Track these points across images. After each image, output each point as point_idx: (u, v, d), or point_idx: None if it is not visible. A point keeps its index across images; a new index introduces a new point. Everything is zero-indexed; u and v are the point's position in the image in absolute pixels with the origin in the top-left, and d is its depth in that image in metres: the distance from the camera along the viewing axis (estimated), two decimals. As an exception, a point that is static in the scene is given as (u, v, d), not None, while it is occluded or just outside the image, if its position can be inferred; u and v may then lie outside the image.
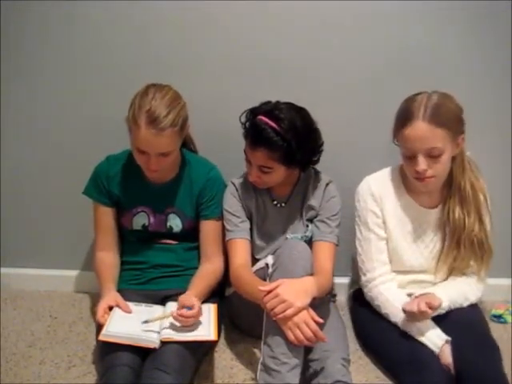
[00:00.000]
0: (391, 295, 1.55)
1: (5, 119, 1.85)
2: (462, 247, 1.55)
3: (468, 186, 1.52)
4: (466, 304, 1.55)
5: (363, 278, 1.61)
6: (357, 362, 1.62)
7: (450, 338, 1.43)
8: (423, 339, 1.45)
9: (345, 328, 1.59)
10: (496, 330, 1.72)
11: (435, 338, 1.44)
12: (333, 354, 1.41)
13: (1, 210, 1.96)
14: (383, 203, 1.58)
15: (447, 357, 1.41)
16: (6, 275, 2.01)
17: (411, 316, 1.45)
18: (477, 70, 1.75)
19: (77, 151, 1.86)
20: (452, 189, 1.54)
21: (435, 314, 1.47)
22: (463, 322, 1.49)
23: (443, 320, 1.49)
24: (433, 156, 1.42)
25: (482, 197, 1.54)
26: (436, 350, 1.42)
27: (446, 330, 1.46)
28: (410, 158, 1.45)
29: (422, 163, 1.43)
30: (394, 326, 1.51)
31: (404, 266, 1.60)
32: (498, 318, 1.83)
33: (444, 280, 1.60)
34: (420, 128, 1.40)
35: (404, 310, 1.46)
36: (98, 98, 1.81)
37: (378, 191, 1.58)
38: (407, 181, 1.57)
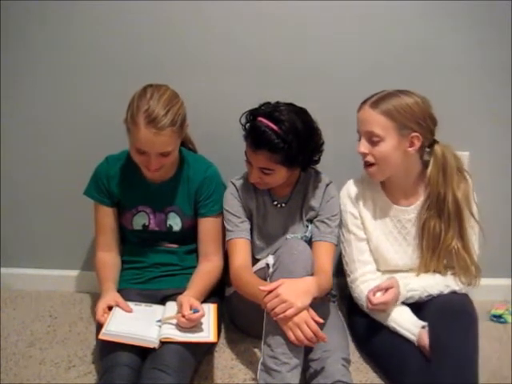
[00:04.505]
0: None
1: (5, 120, 1.85)
2: (437, 257, 1.56)
3: (450, 199, 1.51)
4: (447, 291, 1.54)
5: (348, 279, 1.63)
6: (357, 361, 1.62)
7: (425, 323, 1.45)
8: (401, 331, 1.48)
9: (345, 328, 1.59)
10: (496, 330, 1.73)
11: (411, 326, 1.47)
12: (333, 353, 1.41)
13: (1, 210, 1.95)
14: (360, 205, 1.60)
15: (424, 340, 1.43)
16: (5, 275, 2.00)
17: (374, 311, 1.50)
18: (477, 70, 1.76)
19: (77, 151, 1.86)
20: (430, 198, 1.53)
21: (403, 299, 1.49)
22: (441, 304, 1.49)
23: (424, 306, 1.51)
24: (373, 141, 1.48)
25: (466, 210, 1.52)
26: (413, 337, 1.45)
27: (424, 315, 1.48)
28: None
29: (362, 145, 1.51)
30: (383, 325, 1.52)
31: (389, 266, 1.61)
32: (498, 318, 1.83)
33: None
34: (365, 111, 1.50)
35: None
36: (98, 99, 1.81)
37: (355, 193, 1.61)
38: (385, 181, 1.59)
